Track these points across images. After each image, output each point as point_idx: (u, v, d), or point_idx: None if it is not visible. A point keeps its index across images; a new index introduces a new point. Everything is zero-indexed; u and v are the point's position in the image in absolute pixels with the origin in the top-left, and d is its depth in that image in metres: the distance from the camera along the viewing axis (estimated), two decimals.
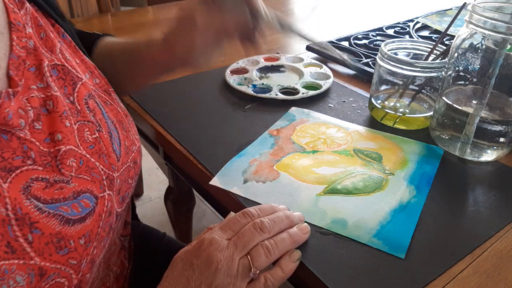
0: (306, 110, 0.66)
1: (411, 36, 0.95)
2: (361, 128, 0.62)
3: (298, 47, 0.91)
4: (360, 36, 0.93)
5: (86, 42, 0.60)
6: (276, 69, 0.78)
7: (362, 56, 0.83)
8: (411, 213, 0.47)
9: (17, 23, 0.39)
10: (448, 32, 0.66)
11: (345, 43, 0.89)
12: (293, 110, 0.66)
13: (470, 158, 0.56)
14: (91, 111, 0.42)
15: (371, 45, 0.89)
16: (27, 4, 0.41)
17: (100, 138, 0.42)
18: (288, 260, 0.40)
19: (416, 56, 0.65)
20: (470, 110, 0.54)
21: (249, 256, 0.39)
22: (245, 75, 0.75)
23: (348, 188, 0.50)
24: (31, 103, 0.37)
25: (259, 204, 0.47)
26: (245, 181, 0.51)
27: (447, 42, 0.89)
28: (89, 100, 0.43)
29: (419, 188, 0.50)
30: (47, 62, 0.40)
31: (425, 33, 0.98)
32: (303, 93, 0.69)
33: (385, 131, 0.61)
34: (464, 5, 0.61)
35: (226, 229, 0.41)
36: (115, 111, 0.47)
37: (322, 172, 0.53)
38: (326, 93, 0.71)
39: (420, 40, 0.77)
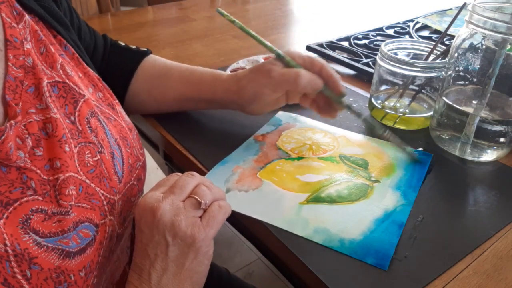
0: (293, 115, 0.64)
1: (411, 36, 0.95)
2: (349, 133, 0.60)
3: (298, 47, 0.91)
4: (360, 36, 0.93)
5: (121, 56, 0.60)
6: None
7: (362, 56, 0.83)
8: (396, 222, 0.45)
9: (14, 39, 0.37)
10: (448, 32, 0.66)
11: (345, 43, 0.89)
12: (280, 114, 0.64)
13: (470, 158, 0.56)
14: (93, 131, 0.41)
15: (371, 45, 0.88)
16: (27, 17, 0.40)
17: (101, 160, 0.41)
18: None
19: (416, 56, 0.65)
20: (470, 110, 0.54)
21: (193, 195, 0.38)
22: None
23: (332, 196, 0.48)
24: (29, 129, 0.36)
25: (244, 215, 0.45)
26: (228, 191, 0.49)
27: (447, 42, 0.89)
28: (91, 119, 0.42)
29: (405, 195, 0.49)
30: (47, 81, 0.39)
31: (425, 33, 0.98)
32: None
33: (384, 131, 0.61)
34: (464, 5, 0.61)
35: (157, 188, 0.40)
36: (119, 126, 0.46)
37: (306, 179, 0.51)
38: None
39: (420, 40, 0.78)
